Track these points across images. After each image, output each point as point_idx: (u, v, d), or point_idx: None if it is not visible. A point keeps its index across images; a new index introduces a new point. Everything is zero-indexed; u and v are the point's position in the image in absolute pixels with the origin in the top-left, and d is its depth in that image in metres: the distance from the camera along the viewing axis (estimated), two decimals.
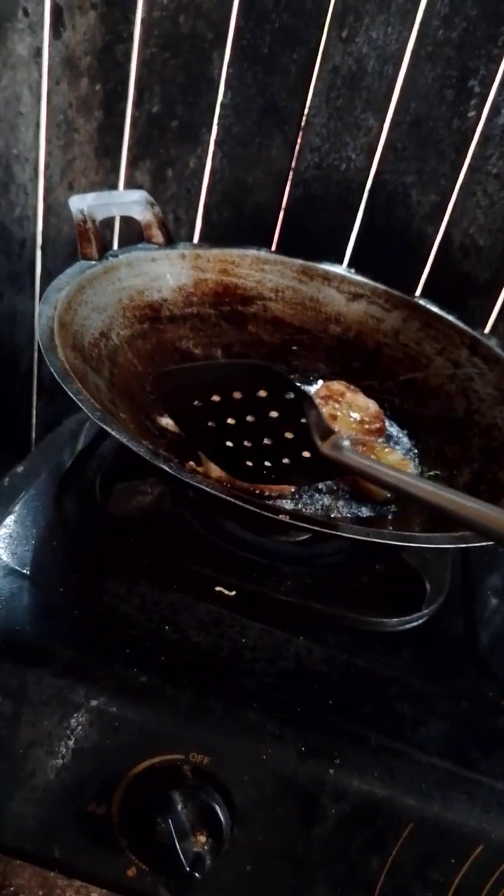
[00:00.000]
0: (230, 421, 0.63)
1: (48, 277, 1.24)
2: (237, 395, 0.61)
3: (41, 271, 1.24)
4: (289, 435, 0.61)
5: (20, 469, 0.80)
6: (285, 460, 0.63)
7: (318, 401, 0.84)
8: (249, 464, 0.65)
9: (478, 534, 0.55)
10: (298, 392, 0.59)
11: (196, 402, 0.63)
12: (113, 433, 0.60)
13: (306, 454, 0.61)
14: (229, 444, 0.64)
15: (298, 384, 0.63)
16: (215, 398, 0.61)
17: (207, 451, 0.69)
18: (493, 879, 0.58)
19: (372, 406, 0.86)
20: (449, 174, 1.06)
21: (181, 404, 0.64)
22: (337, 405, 0.84)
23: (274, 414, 0.61)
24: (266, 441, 0.63)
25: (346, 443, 0.61)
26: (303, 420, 0.60)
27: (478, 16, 0.96)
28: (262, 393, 0.60)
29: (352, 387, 0.86)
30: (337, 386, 0.87)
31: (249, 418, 0.62)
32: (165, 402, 0.69)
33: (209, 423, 0.64)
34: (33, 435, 1.43)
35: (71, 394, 0.62)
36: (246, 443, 0.64)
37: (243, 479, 0.68)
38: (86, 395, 0.62)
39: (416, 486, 0.57)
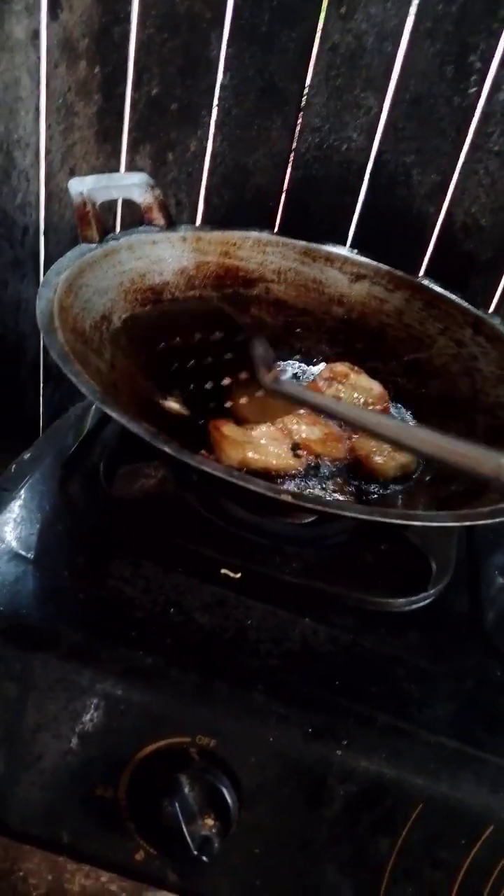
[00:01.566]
0: (191, 363, 0.70)
1: (51, 264, 1.23)
2: (197, 336, 0.68)
3: (44, 258, 1.24)
4: (243, 375, 0.68)
5: (27, 456, 0.80)
6: (243, 400, 0.70)
7: (321, 382, 0.84)
8: (212, 405, 0.73)
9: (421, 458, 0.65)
10: (247, 333, 0.66)
11: (161, 345, 0.70)
12: (113, 415, 0.60)
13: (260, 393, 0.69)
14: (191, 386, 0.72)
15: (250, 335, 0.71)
16: (177, 340, 0.69)
17: (174, 393, 0.76)
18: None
19: (376, 387, 0.85)
20: (450, 153, 1.05)
21: (147, 348, 0.72)
22: (341, 386, 0.83)
23: (229, 356, 0.68)
24: (225, 381, 0.70)
25: (286, 376, 0.69)
26: (250, 356, 0.67)
27: None
28: (219, 334, 0.67)
29: (356, 368, 0.86)
30: (341, 367, 0.86)
31: (209, 360, 0.69)
32: (133, 345, 0.75)
33: (174, 366, 0.71)
34: (41, 422, 1.43)
35: (70, 376, 0.62)
36: (207, 385, 0.71)
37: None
38: (85, 377, 0.62)
39: (352, 414, 0.66)
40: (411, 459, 0.79)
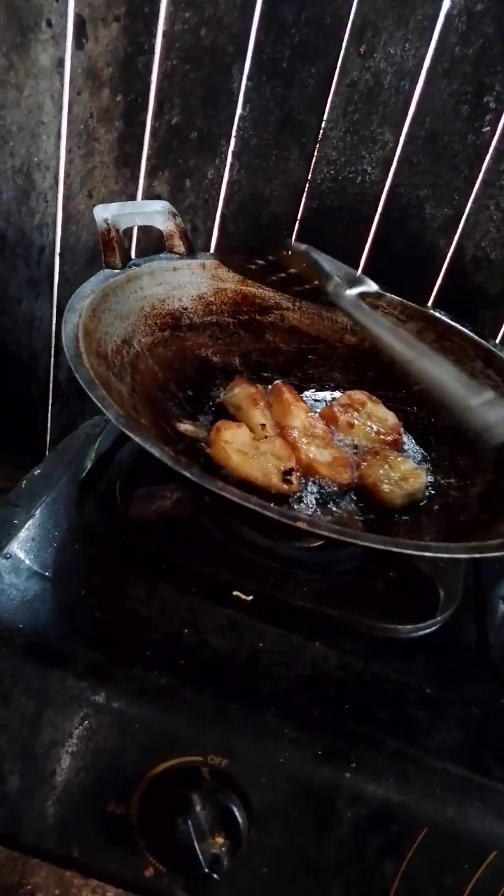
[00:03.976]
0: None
1: (66, 284, 1.25)
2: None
3: (59, 278, 1.25)
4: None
5: (37, 472, 0.81)
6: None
7: (337, 409, 0.85)
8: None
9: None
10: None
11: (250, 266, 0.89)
12: (137, 440, 0.61)
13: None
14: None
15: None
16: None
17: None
18: None
19: (391, 418, 0.87)
20: (462, 188, 1.08)
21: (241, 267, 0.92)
22: (356, 414, 0.85)
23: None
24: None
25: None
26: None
27: (494, 33, 0.97)
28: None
29: (374, 397, 0.87)
30: (359, 395, 0.88)
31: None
32: (228, 264, 0.94)
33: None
34: (48, 438, 1.44)
35: (96, 401, 0.63)
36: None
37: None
38: (110, 401, 0.64)
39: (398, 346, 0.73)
40: (418, 489, 0.80)
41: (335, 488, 0.79)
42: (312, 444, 0.81)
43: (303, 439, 0.81)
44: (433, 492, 0.82)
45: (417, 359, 0.73)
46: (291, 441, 0.80)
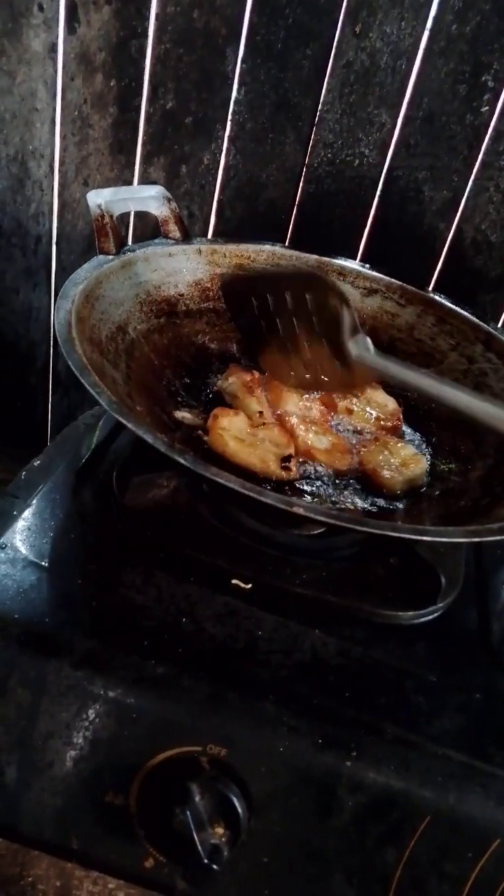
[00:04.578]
0: (279, 323, 0.76)
1: (63, 273, 1.24)
2: (287, 296, 0.73)
3: (56, 267, 1.25)
4: (329, 342, 0.73)
5: (37, 463, 0.81)
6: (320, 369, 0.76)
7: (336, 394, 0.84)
8: (292, 372, 0.79)
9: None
10: (339, 296, 0.70)
11: (254, 302, 0.76)
12: (129, 426, 0.60)
13: (338, 364, 0.73)
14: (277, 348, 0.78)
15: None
16: (270, 301, 0.75)
17: (259, 350, 0.82)
18: None
19: (391, 404, 0.86)
20: (461, 170, 1.06)
21: (242, 305, 0.78)
22: (356, 399, 0.84)
23: (315, 319, 0.72)
24: (308, 346, 0.75)
25: (370, 343, 0.72)
26: (338, 323, 0.71)
27: (491, 10, 0.96)
28: (309, 296, 0.71)
29: (373, 382, 0.86)
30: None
31: (294, 321, 0.74)
32: (228, 302, 0.82)
33: (262, 323, 0.77)
34: (49, 429, 1.44)
35: (88, 387, 0.63)
36: (289, 344, 0.76)
37: (287, 383, 0.81)
38: (103, 388, 0.63)
39: (436, 390, 0.68)
40: (419, 475, 0.80)
41: (333, 474, 0.78)
42: (311, 430, 0.80)
43: (301, 426, 0.80)
44: (433, 477, 0.81)
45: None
46: (289, 427, 0.79)
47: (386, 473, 0.78)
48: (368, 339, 0.71)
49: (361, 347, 0.71)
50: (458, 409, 0.67)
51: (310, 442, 0.79)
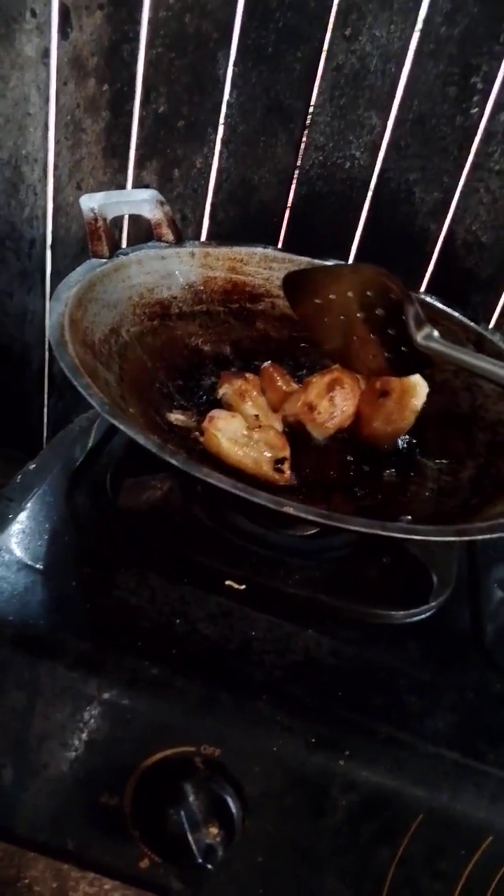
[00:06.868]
0: (342, 317, 0.77)
1: (57, 276, 1.25)
2: (350, 294, 0.75)
3: (51, 270, 1.25)
4: (391, 331, 0.74)
5: (32, 466, 0.81)
6: (386, 354, 0.76)
7: (322, 386, 0.84)
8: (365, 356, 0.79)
9: None
10: (401, 291, 0.71)
11: (317, 300, 0.78)
12: (122, 427, 0.61)
13: (404, 349, 0.74)
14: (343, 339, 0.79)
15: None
16: (332, 296, 0.76)
17: (324, 344, 0.83)
18: (502, 871, 0.58)
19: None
20: (452, 171, 1.07)
21: (305, 302, 0.80)
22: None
23: (379, 311, 0.73)
24: (372, 336, 0.76)
25: (436, 334, 0.73)
26: (403, 316, 0.71)
27: (479, 13, 0.97)
28: (370, 293, 0.73)
29: (360, 378, 0.86)
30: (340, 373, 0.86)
31: (359, 315, 0.75)
32: (292, 300, 0.82)
33: (325, 320, 0.79)
34: (44, 432, 1.44)
35: (80, 388, 0.63)
36: (355, 337, 0.77)
37: (355, 369, 0.82)
38: (95, 389, 0.63)
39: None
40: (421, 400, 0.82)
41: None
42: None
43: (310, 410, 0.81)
44: (424, 477, 0.82)
45: None
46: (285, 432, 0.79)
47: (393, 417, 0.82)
48: (435, 330, 0.74)
49: (429, 338, 0.73)
50: None
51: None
